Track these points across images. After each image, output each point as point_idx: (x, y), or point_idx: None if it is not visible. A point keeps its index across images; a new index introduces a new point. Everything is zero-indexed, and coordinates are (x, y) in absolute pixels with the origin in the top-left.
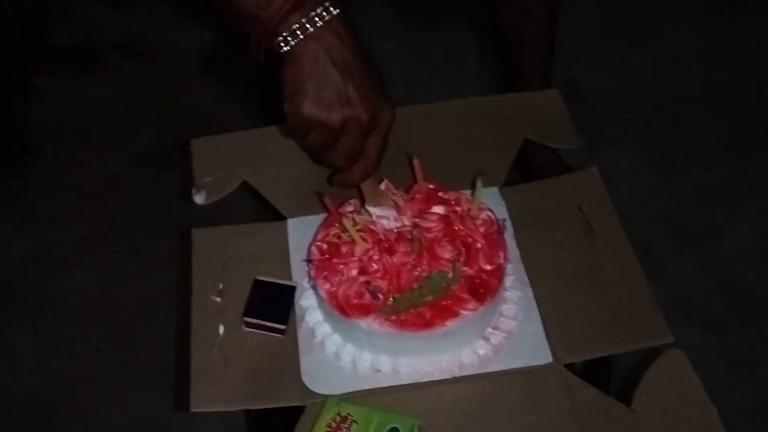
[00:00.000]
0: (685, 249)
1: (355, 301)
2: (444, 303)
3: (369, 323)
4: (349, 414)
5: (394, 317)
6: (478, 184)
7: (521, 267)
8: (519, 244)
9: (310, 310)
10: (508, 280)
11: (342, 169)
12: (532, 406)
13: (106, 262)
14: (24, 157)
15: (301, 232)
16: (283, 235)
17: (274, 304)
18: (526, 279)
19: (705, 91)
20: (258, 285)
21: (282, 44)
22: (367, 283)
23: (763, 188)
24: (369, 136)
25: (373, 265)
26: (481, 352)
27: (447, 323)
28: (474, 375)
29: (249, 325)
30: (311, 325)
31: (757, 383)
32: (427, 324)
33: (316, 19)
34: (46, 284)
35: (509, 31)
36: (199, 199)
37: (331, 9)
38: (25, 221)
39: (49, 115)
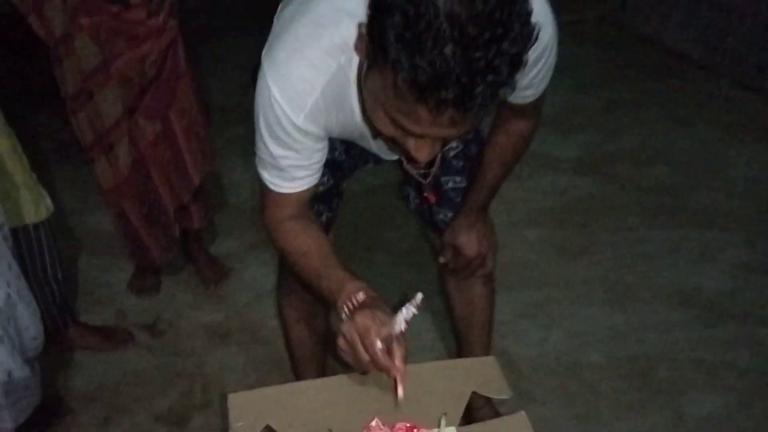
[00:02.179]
0: None
1: None
2: None
3: None
4: None
5: None
6: (443, 421)
7: None
8: None
9: None
10: None
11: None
12: None
13: None
14: (65, 419)
15: None
16: None
17: None
18: None
19: (609, 361)
20: None
21: (343, 311)
22: None
23: None
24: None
25: None
26: None
27: None
28: None
29: None
30: None
31: None
32: None
33: (355, 300)
34: None
35: (458, 319)
36: None
37: (360, 294)
38: None
39: (85, 383)
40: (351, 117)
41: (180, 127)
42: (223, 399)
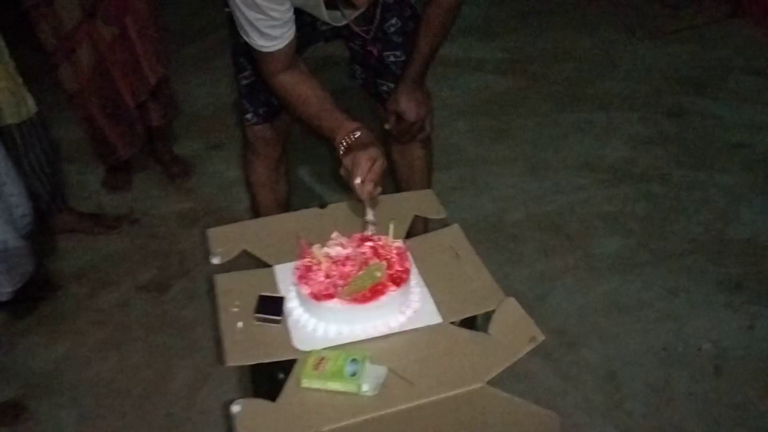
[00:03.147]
0: None
1: (324, 292)
2: (377, 287)
3: (334, 304)
4: (325, 356)
5: (348, 298)
6: (391, 227)
7: (420, 279)
8: (417, 265)
9: (295, 309)
10: (413, 282)
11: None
12: (434, 344)
13: (123, 356)
14: (57, 293)
15: (282, 272)
16: (272, 273)
17: (272, 305)
18: (423, 283)
19: (528, 218)
20: (261, 298)
21: (341, 145)
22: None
23: None
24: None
25: (333, 272)
26: (401, 319)
27: (380, 298)
28: (397, 333)
29: (258, 319)
30: (296, 317)
31: None
32: (368, 299)
33: (352, 136)
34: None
35: (401, 180)
36: (215, 260)
37: (357, 132)
38: (55, 333)
39: (72, 264)
40: None
41: (135, 30)
42: (200, 270)
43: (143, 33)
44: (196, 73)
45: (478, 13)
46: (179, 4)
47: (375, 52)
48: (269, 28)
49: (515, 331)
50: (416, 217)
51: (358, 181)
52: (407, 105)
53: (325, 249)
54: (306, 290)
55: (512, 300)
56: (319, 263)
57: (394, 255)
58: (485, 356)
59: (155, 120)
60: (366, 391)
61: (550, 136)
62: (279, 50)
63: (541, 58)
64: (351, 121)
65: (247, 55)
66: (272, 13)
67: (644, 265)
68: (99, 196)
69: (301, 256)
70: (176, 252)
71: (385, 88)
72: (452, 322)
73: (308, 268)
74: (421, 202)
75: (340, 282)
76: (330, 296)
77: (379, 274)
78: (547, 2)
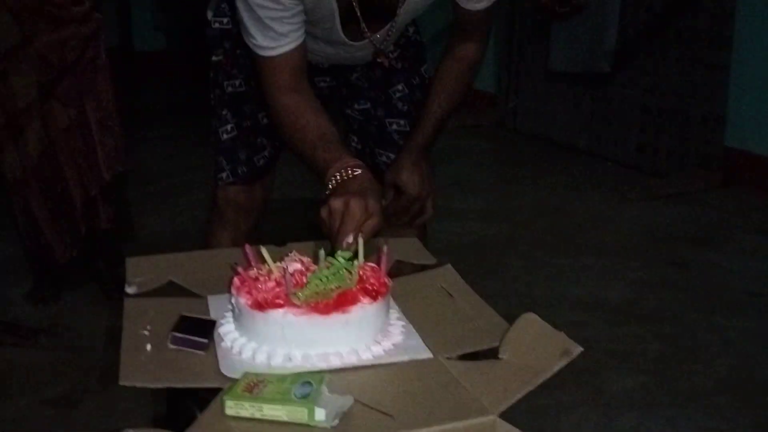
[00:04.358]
0: None
1: (272, 299)
2: (345, 295)
3: (284, 313)
4: (264, 379)
5: (304, 305)
6: (360, 244)
7: (403, 315)
8: (399, 305)
9: (229, 333)
10: (393, 315)
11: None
12: (422, 377)
13: None
14: None
15: (218, 302)
16: (203, 302)
17: (197, 328)
18: (405, 319)
19: None
20: (183, 318)
21: (333, 179)
22: None
23: None
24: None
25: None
26: (376, 350)
27: (349, 309)
28: (370, 365)
29: (175, 341)
30: (229, 343)
31: None
32: (332, 308)
33: (350, 172)
34: None
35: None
36: (130, 289)
37: (357, 170)
38: None
39: None
40: None
41: (95, 117)
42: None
43: (104, 121)
44: (156, 206)
45: (458, 171)
46: (146, 148)
47: (386, 62)
48: (275, 22)
49: (537, 349)
50: (398, 262)
51: (349, 239)
52: (409, 177)
53: (279, 263)
54: (246, 300)
55: (531, 315)
56: (269, 272)
57: (367, 271)
58: (496, 383)
59: (103, 221)
60: (321, 421)
61: (543, 276)
62: (285, 55)
63: (527, 210)
64: (353, 158)
65: (233, 107)
66: (280, 3)
67: (667, 404)
68: (18, 307)
69: (244, 267)
70: (98, 368)
71: (384, 158)
72: (447, 358)
73: (253, 279)
74: (405, 248)
75: (295, 289)
76: (278, 305)
77: (349, 275)
78: (529, 166)
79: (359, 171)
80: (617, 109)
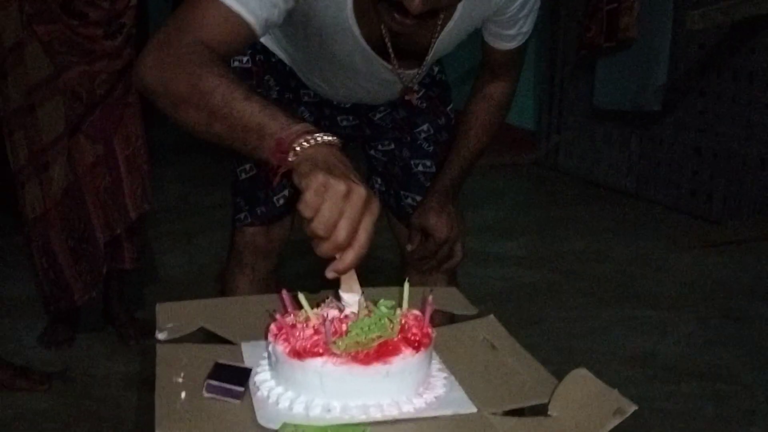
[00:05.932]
0: None
1: (310, 347)
2: (386, 345)
3: (323, 363)
4: (304, 429)
5: (344, 355)
6: (406, 288)
7: (445, 367)
8: (440, 356)
9: (265, 382)
10: (435, 366)
11: (336, 258)
12: None
13: None
14: None
15: (252, 349)
16: (236, 349)
17: (232, 375)
18: (448, 372)
19: None
20: (218, 366)
21: (294, 153)
22: None
23: None
24: (362, 221)
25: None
26: (418, 403)
27: (391, 360)
28: (412, 419)
29: (211, 389)
30: (265, 393)
31: None
32: (373, 359)
33: (318, 138)
34: None
35: None
36: (161, 335)
37: (327, 137)
38: None
39: None
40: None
41: (123, 155)
42: None
43: (132, 158)
44: (177, 245)
45: (495, 212)
46: (167, 184)
47: (414, 100)
48: None
49: (589, 407)
50: (437, 312)
51: (342, 239)
52: (437, 220)
53: (317, 310)
54: (283, 348)
55: (582, 370)
56: (307, 319)
57: (409, 320)
58: None
59: (128, 262)
60: None
61: (588, 329)
62: (237, 18)
63: (569, 256)
64: (304, 121)
65: None
66: None
67: None
68: (31, 350)
69: (282, 313)
70: (113, 417)
71: (409, 200)
72: (492, 413)
73: (291, 326)
74: (444, 297)
75: (334, 338)
76: (317, 354)
77: (391, 324)
78: (571, 208)
79: (328, 137)
80: (667, 149)
